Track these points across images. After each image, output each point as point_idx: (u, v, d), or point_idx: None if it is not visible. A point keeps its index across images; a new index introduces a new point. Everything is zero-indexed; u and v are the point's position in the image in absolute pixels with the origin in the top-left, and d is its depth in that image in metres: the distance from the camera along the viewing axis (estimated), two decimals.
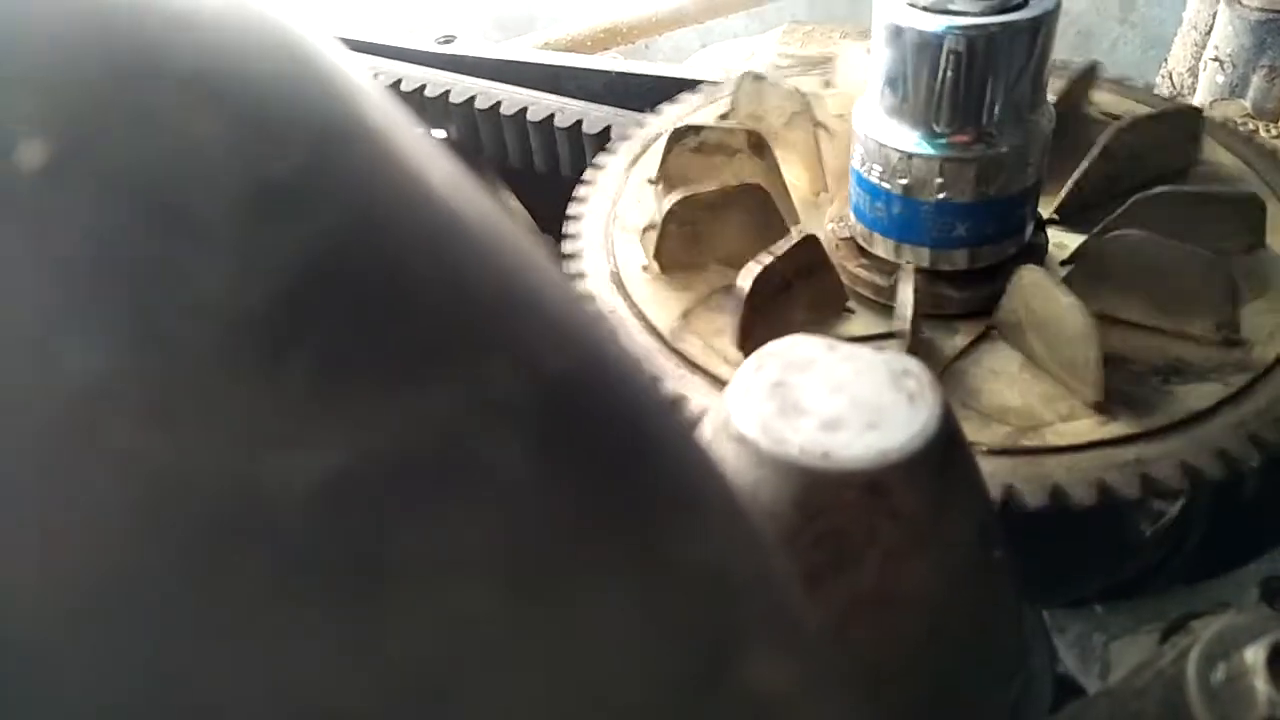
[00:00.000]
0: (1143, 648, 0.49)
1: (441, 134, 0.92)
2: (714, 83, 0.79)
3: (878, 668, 0.34)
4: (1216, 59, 1.09)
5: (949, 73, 0.49)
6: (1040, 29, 0.49)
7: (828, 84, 0.77)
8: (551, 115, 0.85)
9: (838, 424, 0.32)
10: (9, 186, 0.16)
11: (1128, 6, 1.86)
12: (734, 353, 0.54)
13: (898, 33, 0.50)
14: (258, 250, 0.17)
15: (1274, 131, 0.93)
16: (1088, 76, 0.71)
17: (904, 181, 0.53)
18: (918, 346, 0.53)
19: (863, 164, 0.55)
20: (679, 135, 0.65)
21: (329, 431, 0.17)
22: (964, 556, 0.35)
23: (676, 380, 0.53)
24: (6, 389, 0.16)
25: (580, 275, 0.61)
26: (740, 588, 0.21)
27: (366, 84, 0.21)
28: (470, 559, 0.17)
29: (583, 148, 0.84)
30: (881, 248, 0.57)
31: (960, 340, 0.55)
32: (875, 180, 0.54)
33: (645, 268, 0.60)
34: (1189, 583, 0.55)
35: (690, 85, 0.79)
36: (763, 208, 0.59)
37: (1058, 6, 0.49)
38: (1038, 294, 0.52)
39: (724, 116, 0.72)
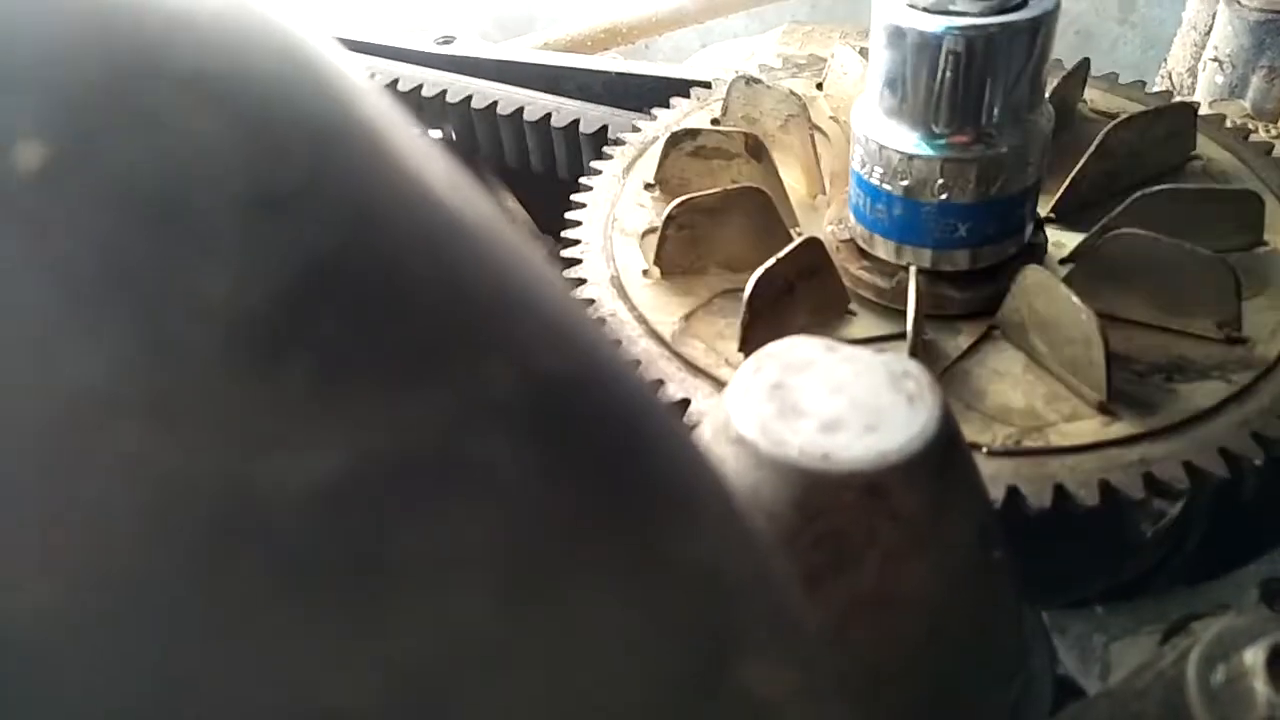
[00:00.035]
0: (1143, 649, 0.49)
1: (438, 134, 0.92)
2: (705, 85, 0.79)
3: (877, 669, 0.34)
4: (1216, 59, 1.09)
5: (948, 73, 0.49)
6: (1039, 29, 0.49)
7: (819, 86, 0.77)
8: (548, 115, 0.85)
9: (837, 425, 0.32)
10: (8, 189, 0.16)
11: (1127, 7, 1.86)
12: (736, 356, 0.54)
13: (897, 33, 0.50)
14: (257, 252, 0.17)
15: (1273, 132, 0.93)
16: (1079, 74, 0.71)
17: (905, 183, 0.53)
18: (920, 347, 0.53)
19: (863, 166, 0.55)
20: (676, 139, 0.65)
21: (329, 432, 0.17)
22: (963, 557, 0.35)
23: (679, 384, 0.53)
24: (9, 391, 0.16)
25: (581, 280, 0.61)
26: (738, 587, 0.21)
27: (364, 84, 0.21)
28: (469, 558, 0.17)
29: (579, 148, 0.84)
30: (882, 249, 0.57)
31: (963, 341, 0.55)
32: (875, 182, 0.54)
33: (645, 272, 0.60)
34: (1189, 584, 0.55)
35: (690, 86, 0.79)
36: (762, 211, 0.59)
37: (1057, 7, 0.49)
38: (1041, 294, 0.52)
39: (717, 120, 0.72)
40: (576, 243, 0.64)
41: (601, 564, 0.19)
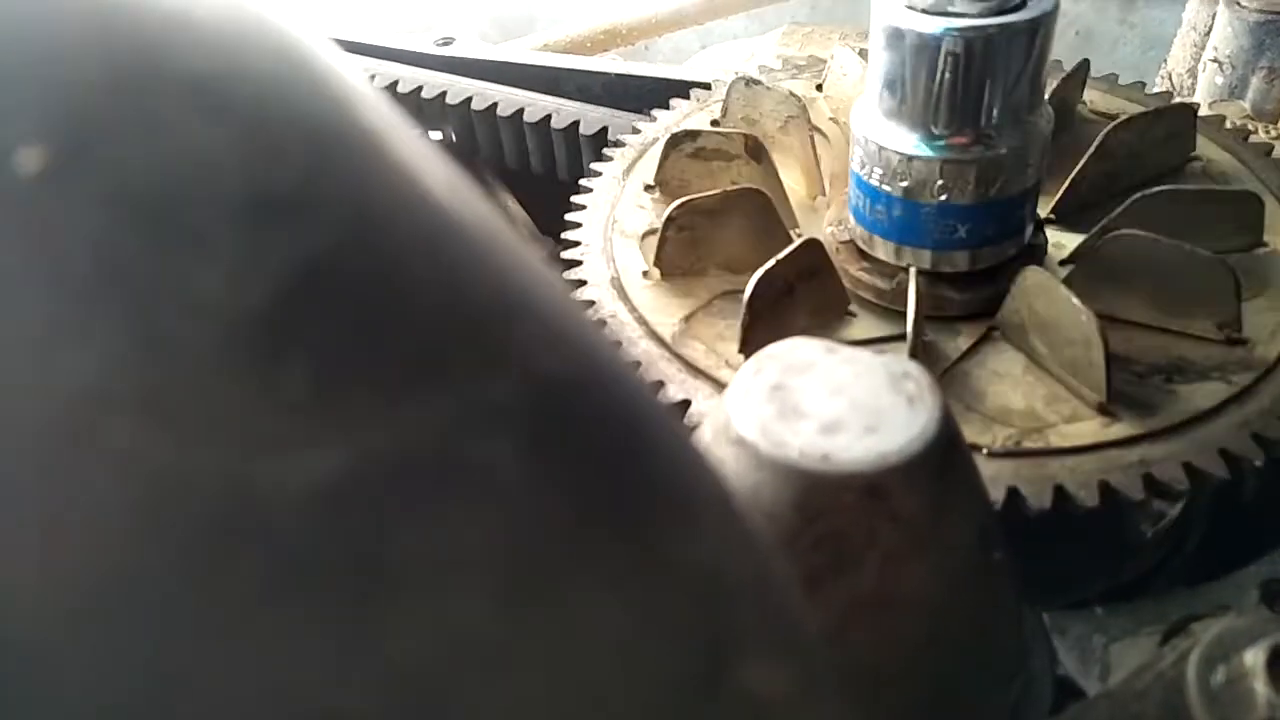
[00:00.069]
0: (1143, 650, 0.49)
1: (438, 135, 0.92)
2: (705, 86, 0.79)
3: (877, 670, 0.34)
4: (1216, 60, 1.09)
5: (947, 75, 0.49)
6: (1038, 30, 0.49)
7: (819, 87, 0.77)
8: (548, 116, 0.85)
9: (837, 427, 0.32)
10: (7, 191, 0.16)
11: (1127, 7, 1.86)
12: (736, 357, 0.54)
13: (896, 35, 0.50)
14: (256, 253, 0.17)
15: (1273, 133, 0.93)
16: (1078, 75, 0.71)
17: (904, 184, 0.53)
18: (920, 349, 0.53)
19: (862, 167, 0.55)
20: (676, 141, 0.65)
21: (328, 432, 0.17)
22: (963, 559, 0.35)
23: (679, 385, 0.53)
24: (6, 390, 0.16)
25: (581, 282, 0.61)
26: (738, 589, 0.21)
27: (363, 86, 0.21)
28: (468, 560, 0.17)
29: (579, 149, 0.84)
30: (882, 250, 0.57)
31: (963, 342, 0.55)
32: (875, 183, 0.54)
33: (646, 273, 0.60)
34: (1189, 584, 0.55)
35: (689, 87, 0.79)
36: (762, 212, 0.59)
37: (1056, 8, 0.49)
38: (1041, 295, 0.52)
39: (717, 122, 0.72)
40: (576, 244, 0.64)
41: (601, 565, 0.19)
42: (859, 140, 0.55)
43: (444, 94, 0.89)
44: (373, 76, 0.91)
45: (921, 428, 0.32)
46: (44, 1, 0.18)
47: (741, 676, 0.20)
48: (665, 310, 0.58)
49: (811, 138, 0.67)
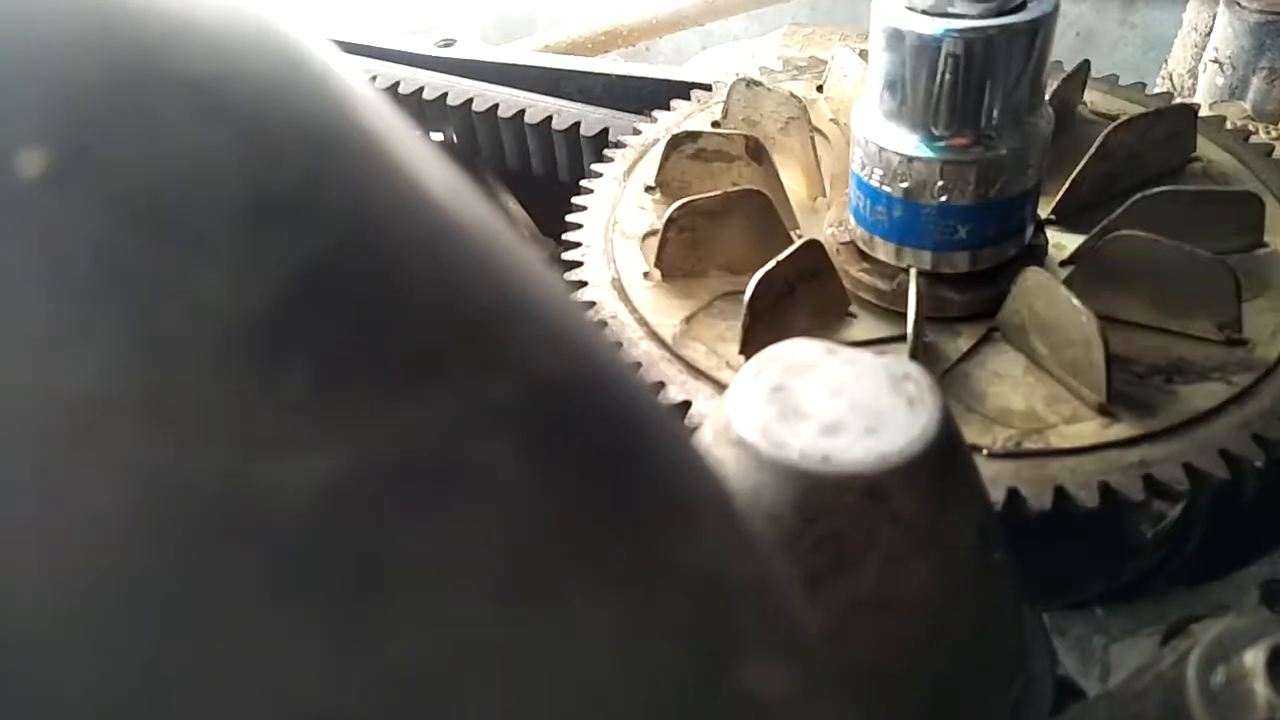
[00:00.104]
0: (1143, 650, 0.49)
1: (439, 137, 0.92)
2: (705, 88, 0.79)
3: (877, 670, 0.34)
4: (1216, 60, 1.09)
5: (947, 75, 0.49)
6: (1038, 31, 0.49)
7: (819, 88, 0.77)
8: (549, 118, 0.85)
9: (837, 428, 0.32)
10: (8, 193, 0.16)
11: (1128, 8, 1.86)
12: (737, 358, 0.54)
13: (896, 36, 0.50)
14: (256, 255, 0.17)
15: (1273, 133, 0.93)
16: (1079, 76, 0.71)
17: (904, 185, 0.53)
18: (920, 350, 0.53)
19: (863, 168, 0.55)
20: (676, 142, 0.65)
21: (328, 433, 0.17)
22: (964, 559, 0.35)
23: (680, 386, 0.53)
24: (7, 390, 0.16)
25: (582, 283, 0.61)
26: (738, 589, 0.21)
27: (363, 88, 0.21)
28: (468, 560, 0.17)
29: (580, 150, 0.84)
30: (883, 251, 0.57)
31: (963, 343, 0.55)
32: (875, 184, 0.54)
33: (646, 274, 0.60)
34: (1189, 585, 0.55)
35: (690, 88, 0.79)
36: (763, 213, 0.59)
37: (1055, 9, 0.49)
38: (1042, 296, 0.52)
39: (717, 123, 0.72)
40: (577, 245, 0.64)
41: (601, 566, 0.19)
42: (859, 141, 0.55)
43: (445, 95, 0.89)
44: (374, 78, 0.92)
45: (922, 429, 0.32)
46: (44, 3, 0.19)
47: (741, 677, 0.20)
48: (666, 311, 0.58)
49: (812, 139, 0.67)
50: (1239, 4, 1.05)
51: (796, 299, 0.55)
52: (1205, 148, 0.68)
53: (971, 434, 0.50)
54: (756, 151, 0.64)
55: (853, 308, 0.58)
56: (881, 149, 0.53)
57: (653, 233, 0.62)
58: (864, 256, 0.59)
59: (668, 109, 0.77)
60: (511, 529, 0.18)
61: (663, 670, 0.19)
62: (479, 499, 0.18)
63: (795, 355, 0.34)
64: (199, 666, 0.16)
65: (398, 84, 0.90)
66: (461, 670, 0.17)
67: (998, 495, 0.46)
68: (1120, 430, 0.49)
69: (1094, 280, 0.55)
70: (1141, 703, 0.39)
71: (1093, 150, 0.63)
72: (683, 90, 0.79)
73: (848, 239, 0.60)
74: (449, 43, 0.96)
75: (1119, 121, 0.64)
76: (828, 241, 0.60)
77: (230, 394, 0.16)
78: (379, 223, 0.19)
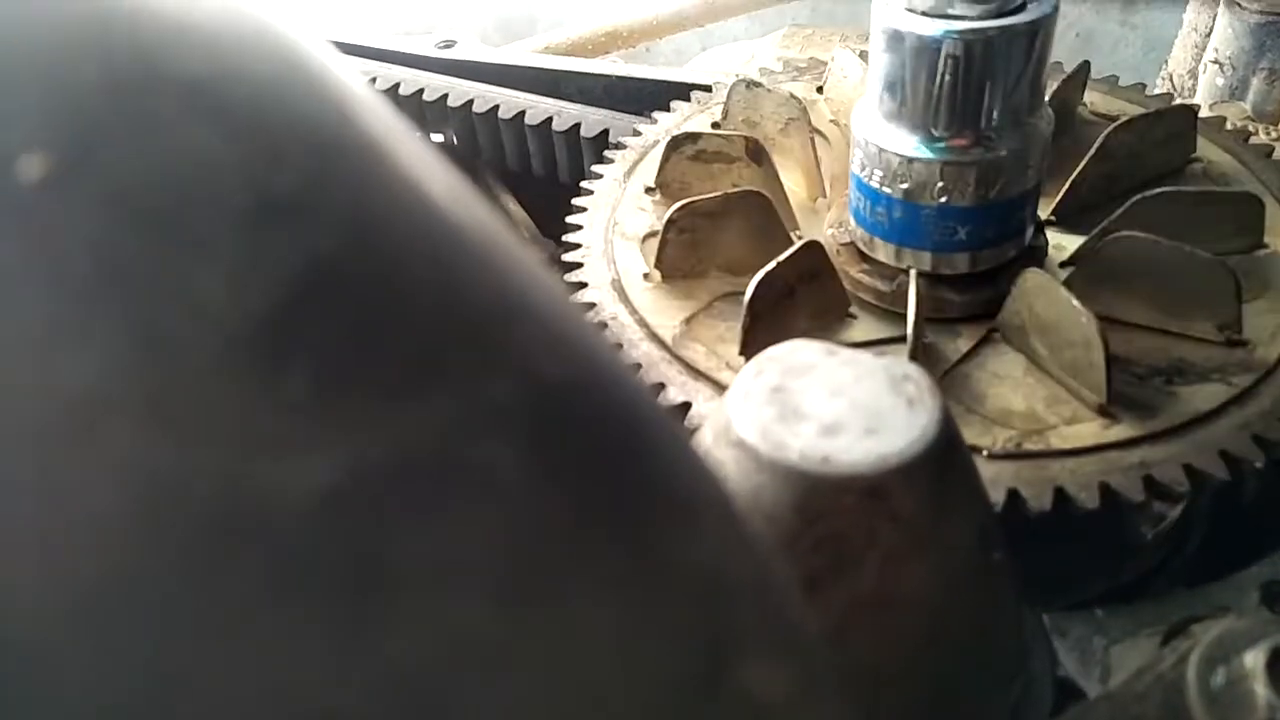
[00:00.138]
0: (1143, 651, 0.49)
1: (440, 138, 0.92)
2: (705, 89, 0.79)
3: (877, 670, 0.34)
4: (1216, 61, 1.09)
5: (947, 77, 0.49)
6: (1038, 32, 0.49)
7: (819, 90, 0.77)
8: (549, 119, 0.85)
9: (837, 429, 0.32)
10: (9, 196, 0.16)
11: (1128, 9, 1.86)
12: (737, 359, 0.54)
13: (896, 37, 0.50)
14: (257, 258, 0.17)
15: (1273, 134, 0.93)
16: (1079, 77, 0.71)
17: (904, 186, 0.53)
18: (920, 351, 0.53)
19: (863, 169, 0.55)
20: (677, 143, 0.65)
21: (328, 434, 0.17)
22: (963, 560, 0.35)
23: (680, 387, 0.53)
24: (7, 390, 0.16)
25: (582, 284, 0.61)
26: (737, 590, 0.22)
27: (363, 89, 0.21)
28: (468, 560, 0.17)
29: (580, 151, 0.84)
30: (883, 252, 0.57)
31: (963, 344, 0.55)
32: (876, 185, 0.54)
33: (646, 275, 0.60)
34: (1189, 586, 0.55)
35: (690, 89, 0.79)
36: (763, 214, 0.59)
37: (1055, 10, 0.49)
38: (1042, 297, 0.52)
39: (717, 124, 0.72)
40: (577, 246, 0.64)
41: (601, 566, 0.19)
42: (859, 142, 0.55)
43: (445, 96, 0.89)
44: (374, 79, 0.92)
45: (921, 429, 0.32)
46: (43, 5, 0.19)
47: (741, 677, 0.20)
48: (666, 312, 0.58)
49: (812, 140, 0.67)
50: (1239, 5, 1.05)
51: (796, 300, 0.55)
52: (1205, 148, 0.68)
53: (971, 435, 0.50)
54: (756, 153, 0.64)
55: (853, 309, 0.58)
56: (881, 150, 0.53)
57: (653, 234, 0.62)
58: (864, 257, 0.59)
59: (668, 110, 0.77)
60: (511, 529, 0.18)
61: (663, 670, 0.19)
62: (479, 499, 0.18)
63: (795, 356, 0.34)
64: (199, 666, 0.16)
65: (398, 85, 0.90)
66: (461, 670, 0.17)
67: (998, 496, 0.46)
68: (1120, 431, 0.49)
69: (1094, 281, 0.55)
70: (1142, 704, 0.39)
71: (1093, 151, 0.63)
72: (683, 91, 0.79)
73: (848, 240, 0.60)
74: (449, 44, 0.96)
75: (1119, 122, 0.64)
76: (828, 243, 0.60)
77: (230, 394, 0.16)
78: (379, 224, 0.19)
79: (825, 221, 0.63)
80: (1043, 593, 0.55)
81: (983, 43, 0.48)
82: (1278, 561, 0.54)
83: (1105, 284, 0.55)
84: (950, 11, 0.48)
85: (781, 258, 0.54)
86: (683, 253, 0.59)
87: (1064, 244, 0.61)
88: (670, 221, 0.58)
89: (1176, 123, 0.66)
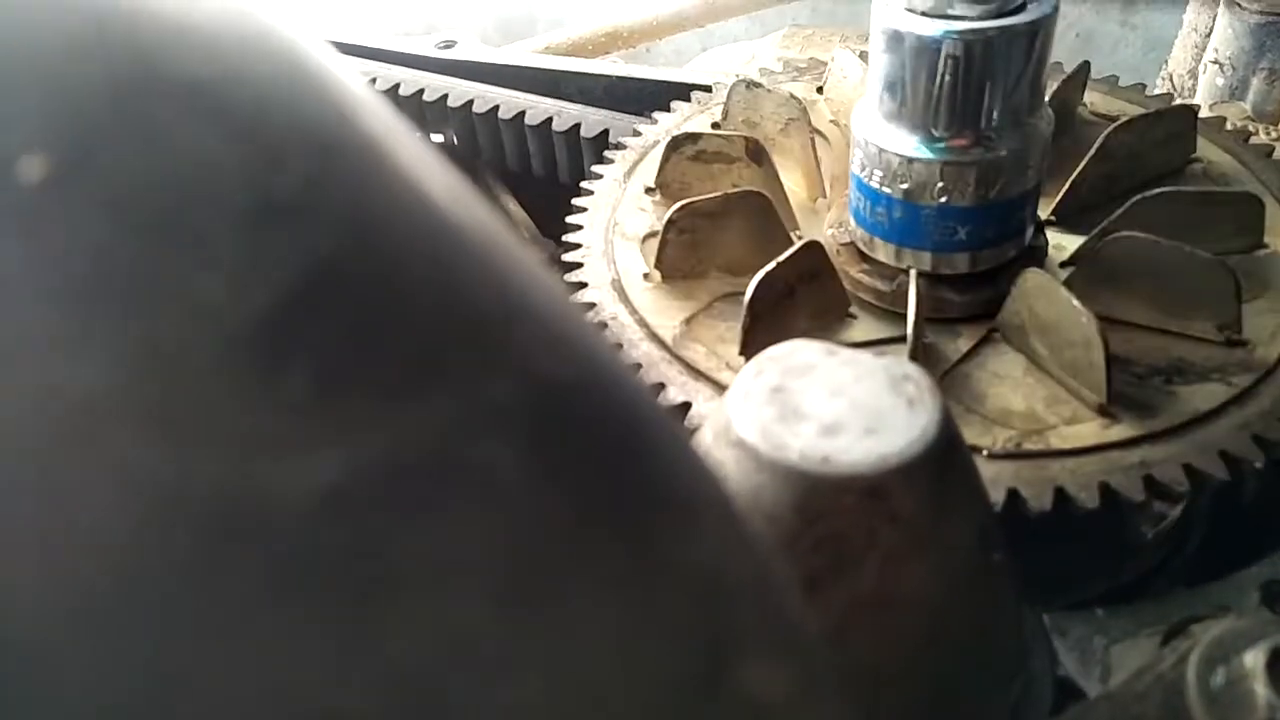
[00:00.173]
0: (1143, 651, 0.49)
1: (440, 138, 0.92)
2: (706, 89, 0.79)
3: (877, 670, 0.34)
4: (1216, 61, 1.09)
5: (947, 77, 0.49)
6: (1038, 33, 0.49)
7: (819, 90, 0.77)
8: (549, 119, 0.85)
9: (837, 429, 0.32)
10: (10, 199, 0.16)
11: (1128, 9, 1.86)
12: (737, 359, 0.54)
13: (896, 38, 0.50)
14: (257, 259, 0.17)
15: (1273, 134, 0.93)
16: (1079, 77, 0.71)
17: (904, 186, 0.53)
18: (920, 351, 0.53)
19: (863, 169, 0.55)
20: (677, 143, 0.65)
21: (328, 435, 0.17)
22: (963, 560, 0.35)
23: (680, 387, 0.53)
24: (8, 392, 0.16)
25: (582, 284, 0.61)
26: (737, 590, 0.22)
27: (362, 90, 0.21)
28: (468, 560, 0.17)
29: (581, 151, 0.84)
30: (883, 253, 0.57)
31: (963, 344, 0.55)
32: (876, 185, 0.54)
33: (646, 276, 0.60)
34: (1189, 585, 0.55)
35: (690, 90, 0.79)
36: (763, 215, 0.59)
37: (1055, 10, 0.49)
38: (1042, 297, 0.52)
39: (717, 124, 0.72)
40: (578, 246, 0.64)
41: (601, 566, 0.19)
42: (859, 142, 0.55)
43: (445, 97, 0.89)
44: (374, 80, 0.92)
45: (921, 429, 0.32)
46: (43, 6, 0.19)
47: (741, 677, 0.20)
48: (666, 312, 0.58)
49: (812, 140, 0.67)
50: (1239, 5, 1.06)
51: (796, 300, 0.55)
52: (1205, 149, 0.68)
53: (971, 435, 0.50)
54: (756, 153, 0.64)
55: (853, 309, 0.58)
56: (881, 150, 0.53)
57: (653, 234, 0.62)
58: (864, 258, 0.59)
59: (668, 110, 0.77)
60: (511, 529, 0.18)
61: (663, 670, 0.19)
62: (479, 500, 0.18)
63: (795, 356, 0.34)
64: (199, 666, 0.16)
65: (398, 86, 0.90)
66: (461, 670, 0.17)
67: (998, 496, 0.46)
68: (1120, 431, 0.49)
69: (1094, 281, 0.55)
70: (1142, 703, 0.39)
71: (1093, 151, 0.63)
72: (683, 92, 0.79)
73: (848, 240, 0.60)
74: (450, 44, 0.96)
75: (1119, 122, 0.64)
76: (828, 243, 0.60)
77: (231, 396, 0.16)
78: (379, 224, 0.19)
79: (825, 221, 0.63)
80: (1043, 593, 0.55)
81: (983, 43, 0.48)
82: (1278, 561, 0.54)
83: (1105, 284, 0.55)
84: (950, 11, 0.48)
85: (781, 258, 0.54)
86: (683, 253, 0.59)
87: (1064, 244, 0.61)
88: (670, 222, 0.58)
89: (1176, 123, 0.66)
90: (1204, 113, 0.74)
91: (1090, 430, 0.50)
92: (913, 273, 0.55)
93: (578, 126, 0.84)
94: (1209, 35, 1.12)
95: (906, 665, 0.35)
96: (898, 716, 0.35)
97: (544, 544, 0.18)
